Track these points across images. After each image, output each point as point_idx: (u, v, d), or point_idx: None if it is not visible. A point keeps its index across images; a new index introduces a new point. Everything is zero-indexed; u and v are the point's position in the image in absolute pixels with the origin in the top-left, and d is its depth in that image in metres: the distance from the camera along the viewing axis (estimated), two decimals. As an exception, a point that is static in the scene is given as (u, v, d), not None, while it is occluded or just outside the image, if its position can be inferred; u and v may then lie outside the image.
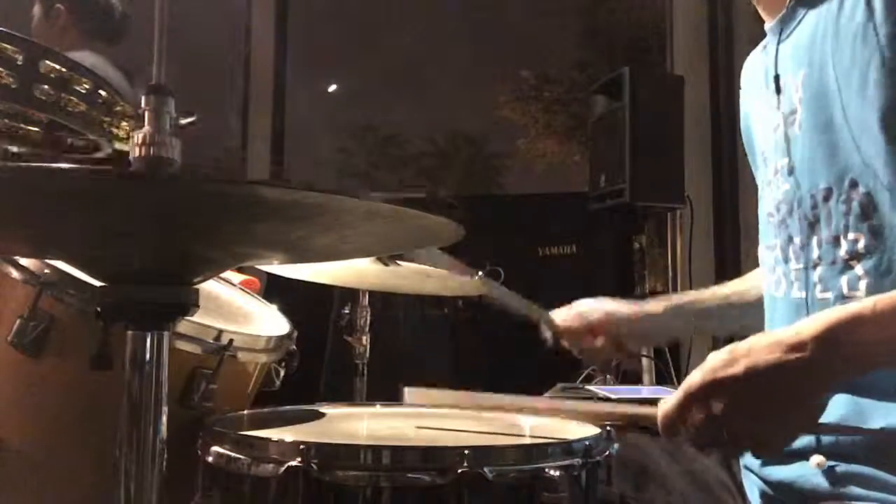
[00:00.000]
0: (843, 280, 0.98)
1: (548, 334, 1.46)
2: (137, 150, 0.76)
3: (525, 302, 1.48)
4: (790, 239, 1.06)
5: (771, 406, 0.86)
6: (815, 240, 1.02)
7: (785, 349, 0.85)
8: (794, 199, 1.05)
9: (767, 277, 1.13)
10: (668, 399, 0.91)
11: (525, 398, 1.12)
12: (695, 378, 0.89)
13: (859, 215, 0.96)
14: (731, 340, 1.42)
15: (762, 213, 1.15)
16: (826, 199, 0.99)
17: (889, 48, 0.92)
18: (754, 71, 1.20)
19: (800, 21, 1.07)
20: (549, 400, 1.09)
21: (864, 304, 0.86)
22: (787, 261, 1.07)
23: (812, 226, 1.02)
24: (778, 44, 1.12)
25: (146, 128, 0.75)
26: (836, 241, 0.99)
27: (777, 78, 1.10)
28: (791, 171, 1.05)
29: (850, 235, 0.97)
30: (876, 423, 0.93)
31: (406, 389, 1.11)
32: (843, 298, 0.97)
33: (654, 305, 1.42)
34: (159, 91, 0.76)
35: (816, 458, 1.00)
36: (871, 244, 0.95)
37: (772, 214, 1.11)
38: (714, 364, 0.88)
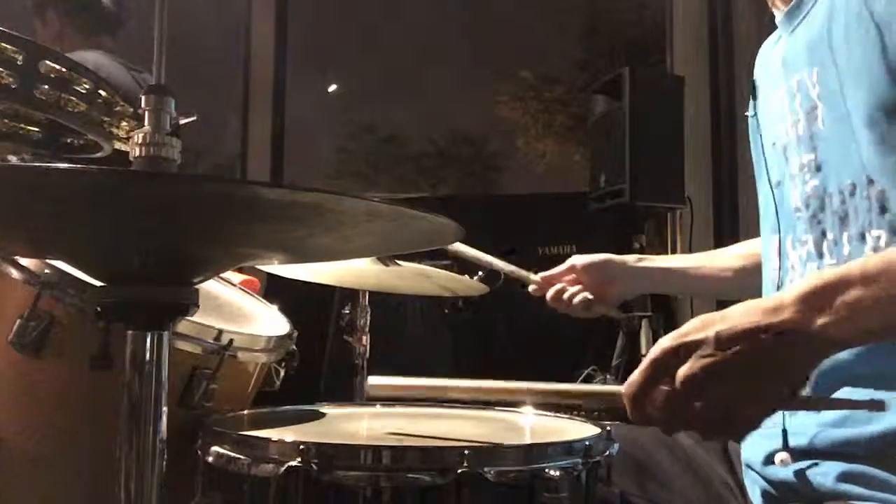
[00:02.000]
0: None
1: (532, 288, 1.50)
2: (137, 150, 0.76)
3: (502, 262, 1.55)
4: (824, 234, 1.05)
5: (746, 374, 0.77)
6: (845, 236, 1.01)
7: (763, 312, 0.78)
8: (825, 194, 1.04)
9: (797, 271, 1.11)
10: (634, 372, 0.83)
11: (491, 382, 1.05)
12: (662, 343, 0.80)
13: (878, 211, 0.96)
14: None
15: (783, 208, 1.14)
16: (852, 194, 0.99)
17: (879, 31, 0.92)
18: (769, 63, 1.20)
19: (808, 11, 1.07)
20: (510, 385, 1.01)
21: (850, 265, 0.80)
22: (821, 256, 1.06)
23: (843, 221, 1.01)
24: (779, 38, 1.12)
25: (146, 127, 0.75)
26: (861, 237, 0.98)
27: (777, 70, 1.11)
28: (819, 167, 1.05)
29: (874, 231, 0.97)
30: (876, 423, 0.93)
31: (369, 379, 1.08)
32: None
33: (630, 257, 1.50)
34: (159, 91, 0.77)
35: (781, 456, 1.00)
36: (891, 240, 0.95)
37: (799, 210, 1.10)
38: (683, 329, 0.80)
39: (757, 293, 1.25)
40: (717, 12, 3.59)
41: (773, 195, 1.17)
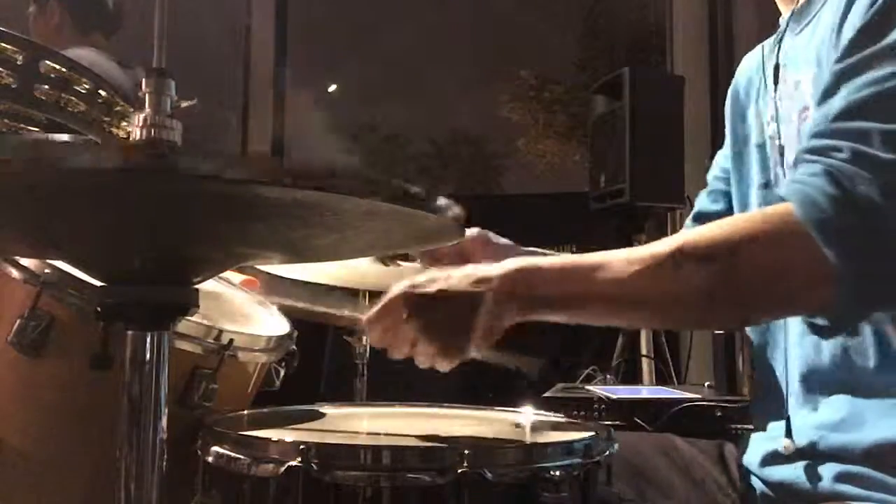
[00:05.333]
0: None
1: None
2: (137, 132, 0.76)
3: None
4: None
5: (450, 323, 0.97)
6: None
7: (475, 280, 0.96)
8: None
9: None
10: (375, 307, 1.03)
11: None
12: (396, 289, 1.00)
13: None
14: (731, 337, 1.43)
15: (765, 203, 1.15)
16: None
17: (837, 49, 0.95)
18: (768, 64, 1.20)
19: (816, 13, 1.08)
20: None
21: (550, 257, 0.98)
22: None
23: None
24: (781, 37, 1.13)
25: (146, 110, 0.75)
26: None
27: (777, 68, 1.12)
28: None
29: None
30: (873, 429, 0.94)
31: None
32: None
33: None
34: (159, 74, 0.76)
35: (785, 441, 1.02)
36: None
37: None
38: (415, 281, 0.99)
39: None
40: (717, 12, 3.60)
41: (756, 196, 1.17)
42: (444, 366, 1.02)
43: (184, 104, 0.78)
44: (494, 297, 0.94)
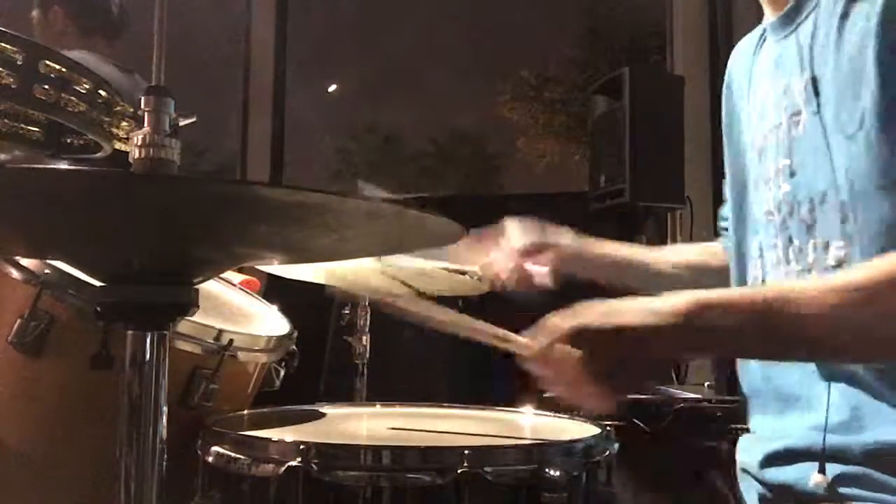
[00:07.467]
0: None
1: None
2: (137, 151, 0.76)
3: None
4: (790, 240, 1.06)
5: (630, 362, 0.92)
6: (811, 244, 1.02)
7: (646, 314, 0.91)
8: (795, 201, 1.05)
9: (771, 274, 1.12)
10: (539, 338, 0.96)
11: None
12: (560, 321, 0.93)
13: (842, 222, 0.97)
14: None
15: (758, 210, 1.15)
16: (822, 202, 1.00)
17: (883, 54, 0.92)
18: (757, 63, 1.19)
19: (805, 18, 1.07)
20: None
21: (721, 293, 0.94)
22: (788, 262, 1.07)
23: (809, 229, 1.02)
24: (764, 40, 1.12)
25: (145, 129, 0.75)
26: (826, 247, 1.00)
27: (761, 71, 1.11)
28: (793, 174, 1.05)
29: (838, 242, 0.98)
30: (874, 432, 0.94)
31: None
32: None
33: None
34: (159, 92, 0.77)
35: (816, 478, 0.99)
36: (848, 253, 0.96)
37: (771, 213, 1.10)
38: (587, 318, 0.93)
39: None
40: (717, 12, 3.59)
41: (752, 195, 1.17)
42: (605, 404, 0.96)
43: (182, 122, 0.78)
44: (670, 332, 0.90)
